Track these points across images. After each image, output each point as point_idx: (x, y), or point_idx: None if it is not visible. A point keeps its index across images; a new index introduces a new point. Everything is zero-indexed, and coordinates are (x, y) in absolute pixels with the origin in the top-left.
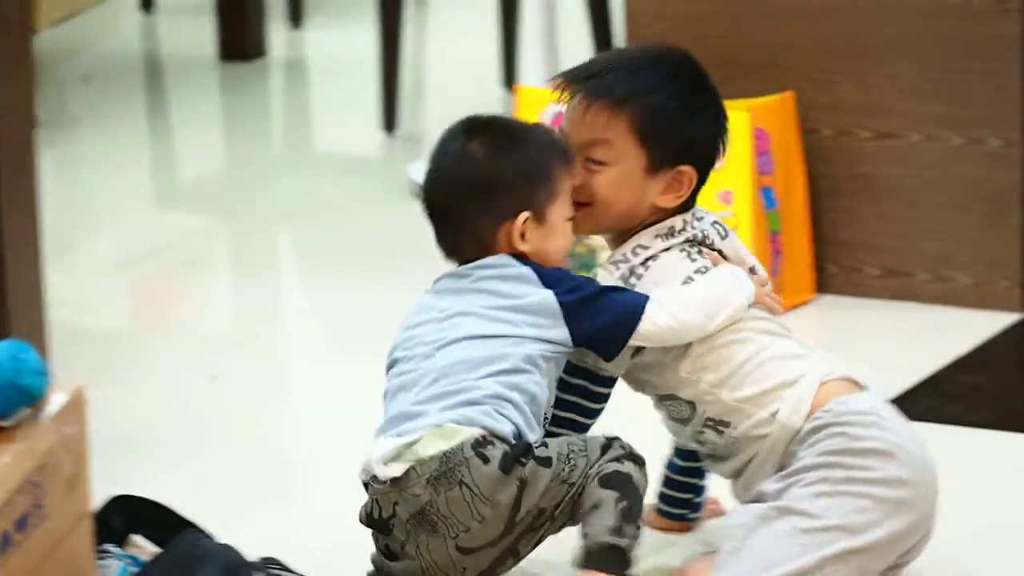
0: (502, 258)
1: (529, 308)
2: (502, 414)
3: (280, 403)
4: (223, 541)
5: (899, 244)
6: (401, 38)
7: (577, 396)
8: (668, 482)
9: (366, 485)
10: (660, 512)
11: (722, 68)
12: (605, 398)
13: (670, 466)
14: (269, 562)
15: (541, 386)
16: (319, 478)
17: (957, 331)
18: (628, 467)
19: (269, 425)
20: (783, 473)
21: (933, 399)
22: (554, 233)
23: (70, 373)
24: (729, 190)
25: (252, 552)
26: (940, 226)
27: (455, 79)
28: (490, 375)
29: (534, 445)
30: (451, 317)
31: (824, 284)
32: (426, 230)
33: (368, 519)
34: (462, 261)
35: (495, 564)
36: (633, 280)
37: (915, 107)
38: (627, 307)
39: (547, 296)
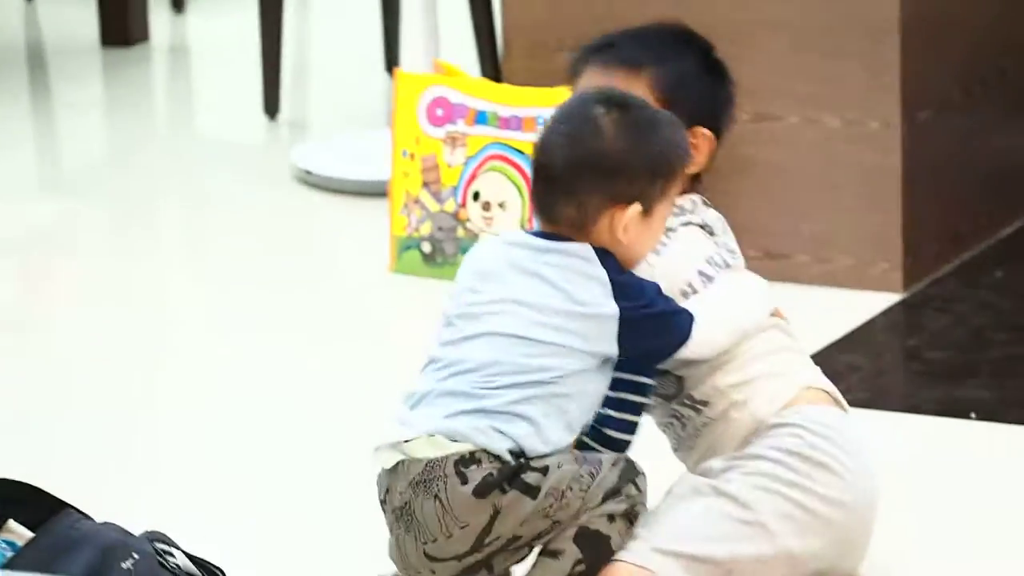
0: (585, 249)
1: (590, 317)
2: (501, 432)
3: (161, 385)
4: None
5: (779, 226)
6: (282, 23)
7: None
8: None
9: None
10: None
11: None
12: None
13: None
14: (154, 537)
15: (577, 405)
16: (195, 457)
17: (837, 312)
18: (616, 527)
19: (145, 409)
20: (733, 455)
21: None
22: (651, 231)
23: None
24: None
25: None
26: (820, 208)
27: (337, 63)
28: (516, 385)
29: (532, 465)
30: (507, 302)
31: None
32: (310, 216)
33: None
34: (549, 225)
35: (464, 574)
36: (652, 256)
37: (793, 89)
38: (677, 330)
39: (613, 312)
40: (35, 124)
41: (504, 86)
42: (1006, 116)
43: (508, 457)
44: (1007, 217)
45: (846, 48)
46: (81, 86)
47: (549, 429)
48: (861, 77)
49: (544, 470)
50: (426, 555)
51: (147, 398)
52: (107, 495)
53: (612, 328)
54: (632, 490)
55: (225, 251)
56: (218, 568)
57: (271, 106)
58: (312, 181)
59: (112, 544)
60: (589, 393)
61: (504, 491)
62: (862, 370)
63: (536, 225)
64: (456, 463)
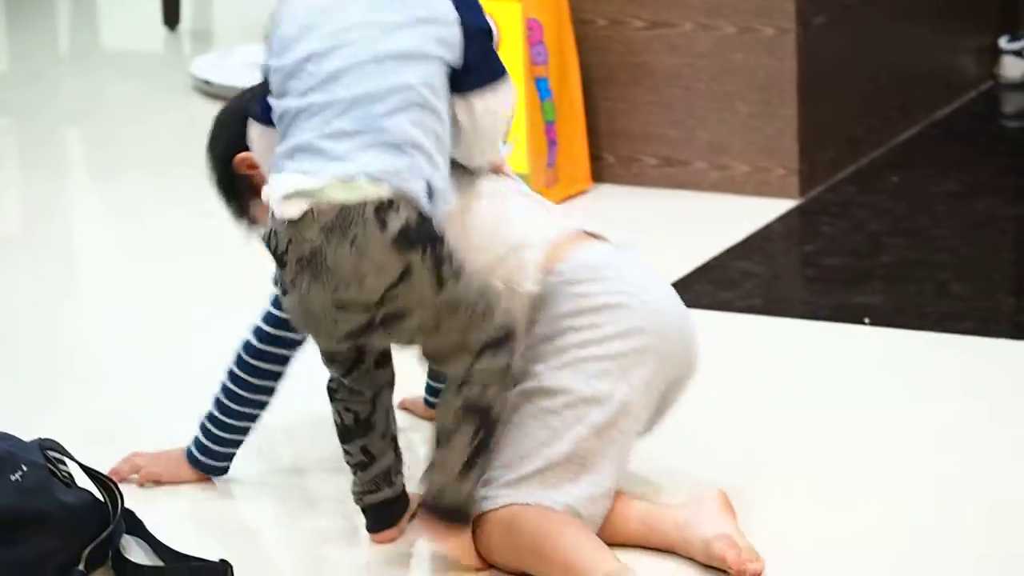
0: None
1: (432, 21)
2: (415, 171)
3: (67, 303)
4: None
5: (676, 133)
6: None
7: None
8: (434, 374)
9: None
10: (427, 403)
11: None
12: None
13: None
14: (46, 446)
15: (443, 123)
16: (115, 369)
17: (734, 219)
18: (493, 394)
19: (55, 324)
20: (526, 347)
21: (708, 286)
22: None
23: None
24: None
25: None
26: (716, 115)
27: None
28: (398, 110)
29: (450, 252)
30: (354, 28)
31: (601, 174)
32: (207, 126)
33: (267, 247)
34: None
35: (360, 333)
36: None
37: None
38: (500, 64)
39: (455, 18)
40: None
41: None
42: (901, 21)
43: (424, 201)
44: (903, 123)
45: None
46: None
47: (437, 161)
48: None
49: (459, 269)
50: (335, 302)
51: (55, 313)
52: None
53: (456, 33)
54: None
55: (128, 164)
56: (110, 479)
57: (171, 17)
58: (211, 91)
59: (4, 454)
60: (446, 120)
61: (422, 255)
62: (758, 276)
63: None
64: (376, 209)
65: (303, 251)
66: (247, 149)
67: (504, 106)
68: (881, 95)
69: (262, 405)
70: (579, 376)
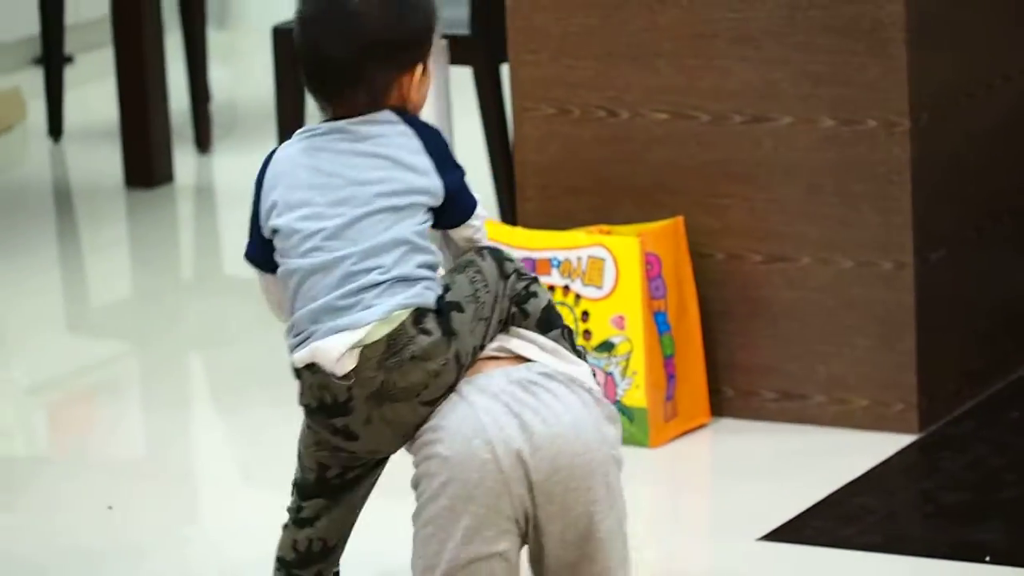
0: (388, 115)
1: (422, 174)
2: (428, 289)
3: (186, 532)
4: None
5: (794, 367)
6: None
7: None
8: None
9: (297, 372)
10: None
11: (612, 193)
12: None
13: None
14: None
15: (435, 254)
16: None
17: (853, 453)
18: (535, 287)
19: (173, 554)
20: None
21: (826, 522)
22: (428, 80)
23: None
24: (622, 315)
25: None
26: (834, 349)
27: None
28: (403, 259)
29: (443, 296)
30: (348, 186)
31: (720, 407)
32: None
33: (320, 406)
34: (345, 113)
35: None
36: None
37: (805, 230)
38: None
39: (433, 175)
40: (62, 264)
41: (517, 228)
42: (1019, 253)
43: (434, 303)
44: (1023, 357)
45: (859, 190)
46: (108, 227)
47: (434, 277)
48: (873, 218)
49: (448, 288)
50: (423, 404)
51: (173, 542)
52: None
53: (438, 186)
54: (514, 263)
55: (252, 392)
56: None
57: None
58: None
59: None
60: (437, 252)
61: (449, 320)
62: (876, 512)
63: (322, 116)
64: (413, 324)
65: (371, 388)
66: None
67: (478, 232)
68: (1000, 329)
69: None
70: (420, 550)
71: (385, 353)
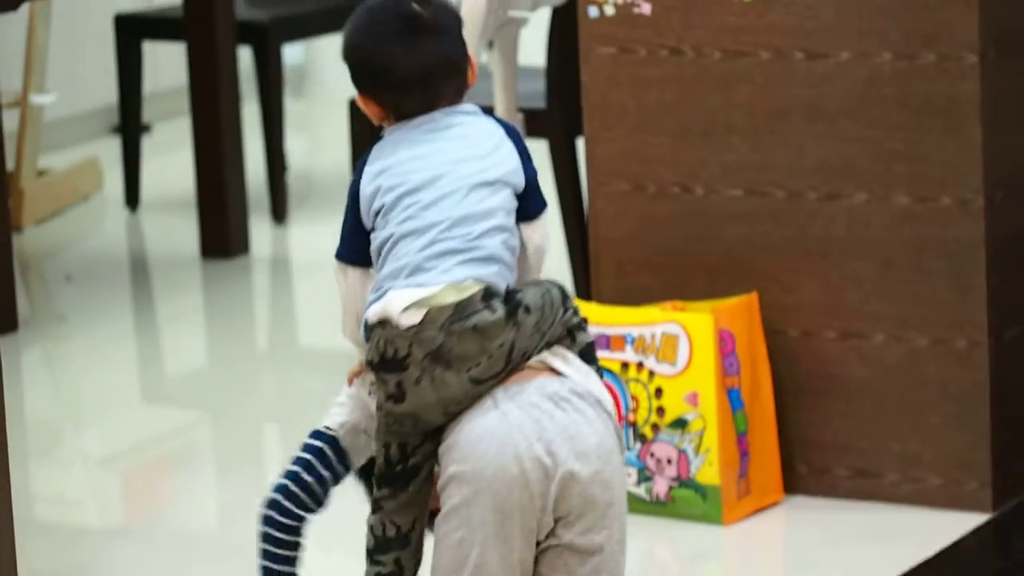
0: (471, 107)
1: (507, 159)
2: (501, 276)
3: None
4: None
5: (867, 444)
6: None
7: None
8: None
9: (369, 329)
10: None
11: (686, 270)
12: None
13: None
14: None
15: (516, 236)
16: None
17: (926, 532)
18: (585, 324)
19: None
20: None
21: None
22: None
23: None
24: (695, 391)
25: None
26: (908, 426)
27: None
28: (488, 232)
29: (515, 292)
30: (445, 164)
31: (793, 485)
32: None
33: (381, 360)
34: (429, 108)
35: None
36: None
37: (880, 307)
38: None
39: (518, 164)
40: (138, 335)
41: (592, 304)
42: None
43: (503, 290)
44: None
45: (933, 267)
46: (184, 297)
47: (514, 269)
48: (948, 296)
49: (523, 292)
50: (471, 380)
51: None
52: None
53: (520, 176)
54: (567, 296)
55: None
56: None
57: None
58: None
59: None
60: (517, 239)
61: (516, 313)
62: None
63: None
64: (481, 299)
65: (429, 348)
66: None
67: (546, 239)
68: None
69: None
70: (445, 559)
71: (451, 317)
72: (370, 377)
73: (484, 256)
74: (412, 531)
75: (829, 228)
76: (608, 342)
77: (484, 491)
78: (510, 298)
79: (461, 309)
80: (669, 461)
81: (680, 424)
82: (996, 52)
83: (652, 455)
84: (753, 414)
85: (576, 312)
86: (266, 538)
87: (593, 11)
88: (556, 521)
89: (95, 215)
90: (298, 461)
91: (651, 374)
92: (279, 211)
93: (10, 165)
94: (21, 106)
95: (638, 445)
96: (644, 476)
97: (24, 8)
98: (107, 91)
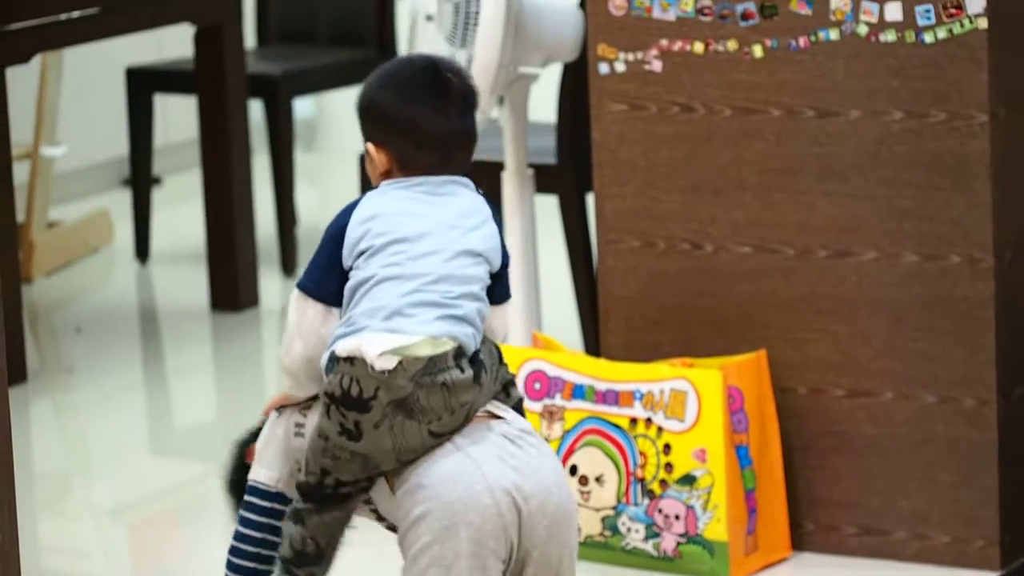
0: (466, 180)
1: (491, 237)
2: (469, 335)
3: None
4: None
5: (875, 502)
6: None
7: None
8: None
9: (334, 362)
10: None
11: (695, 326)
12: None
13: None
14: None
15: (486, 308)
16: None
17: None
18: (516, 380)
19: None
20: None
21: None
22: None
23: None
24: (703, 448)
25: None
26: (916, 484)
27: None
28: (466, 296)
29: (478, 353)
30: (435, 226)
31: (800, 542)
32: None
33: (343, 396)
34: (452, 172)
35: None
36: None
37: (889, 365)
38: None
39: (499, 245)
40: (147, 387)
41: (601, 360)
42: None
43: (471, 351)
44: None
45: (942, 326)
46: (192, 350)
47: (480, 333)
48: (957, 354)
49: (484, 359)
50: (430, 433)
51: None
52: None
53: (497, 258)
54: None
55: None
56: None
57: None
58: None
59: None
60: (486, 313)
61: (480, 376)
62: None
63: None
64: (453, 357)
65: (396, 396)
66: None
67: (503, 324)
68: None
69: None
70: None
71: (422, 370)
72: (295, 417)
73: (461, 316)
74: (328, 548)
75: (838, 286)
76: (617, 398)
77: (459, 524)
78: (475, 360)
79: (433, 364)
80: (677, 517)
81: (688, 480)
82: (1006, 111)
83: (660, 511)
84: (761, 471)
85: (508, 368)
86: None
87: (604, 67)
88: (523, 548)
89: (105, 267)
90: (261, 526)
91: (660, 430)
92: (288, 263)
93: (20, 217)
94: (32, 158)
95: (646, 501)
96: (652, 532)
97: (36, 60)
98: (118, 143)
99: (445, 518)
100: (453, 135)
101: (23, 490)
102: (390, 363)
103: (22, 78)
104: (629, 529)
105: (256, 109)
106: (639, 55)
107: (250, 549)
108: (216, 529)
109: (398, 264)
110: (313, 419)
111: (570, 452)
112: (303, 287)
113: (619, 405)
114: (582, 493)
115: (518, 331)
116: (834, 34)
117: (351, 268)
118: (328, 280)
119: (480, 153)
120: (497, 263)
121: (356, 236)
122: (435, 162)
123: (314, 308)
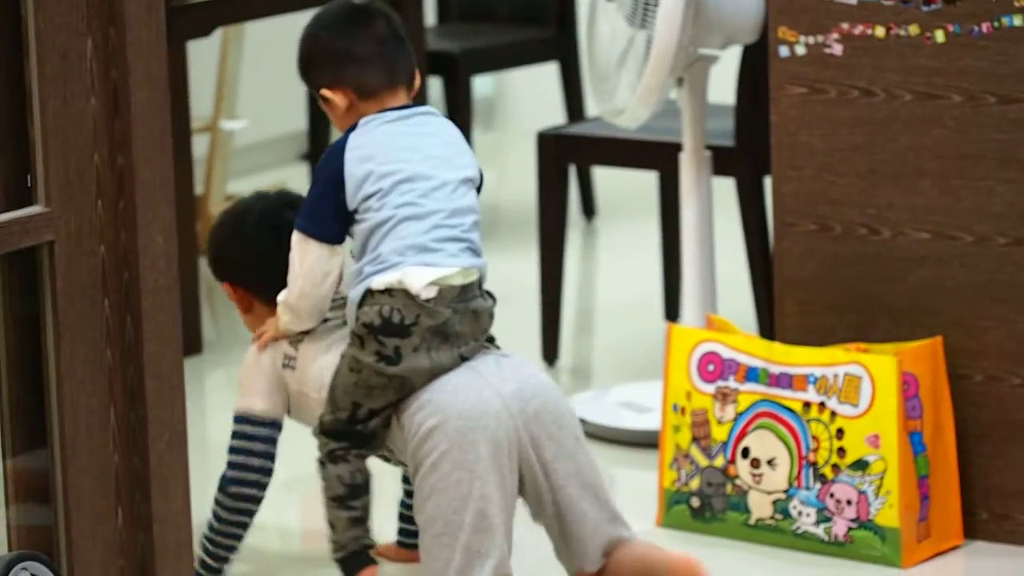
0: (432, 108)
1: (473, 158)
2: (484, 268)
3: None
4: None
5: None
6: (563, 268)
7: None
8: (404, 517)
9: (368, 295)
10: (401, 544)
11: (871, 312)
12: None
13: (404, 504)
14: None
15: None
16: None
17: None
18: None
19: None
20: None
21: None
22: None
23: None
24: (877, 434)
25: None
26: None
27: (619, 310)
28: (475, 226)
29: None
30: (433, 158)
31: (973, 530)
32: None
33: (383, 324)
34: (403, 91)
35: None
36: None
37: None
38: None
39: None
40: None
41: (775, 343)
42: None
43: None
44: None
45: None
46: None
47: None
48: None
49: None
50: (460, 356)
51: None
52: None
53: (479, 173)
54: None
55: None
56: None
57: (550, 352)
58: (586, 430)
59: None
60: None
61: (494, 306)
62: None
63: (379, 91)
64: (477, 286)
65: (436, 320)
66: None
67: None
68: None
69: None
70: (440, 502)
71: (457, 297)
72: (284, 348)
73: (476, 248)
74: (371, 478)
75: (1016, 274)
76: (790, 381)
77: (475, 427)
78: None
79: (464, 292)
80: (849, 502)
81: (861, 465)
82: None
83: (832, 496)
84: (935, 458)
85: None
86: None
87: (784, 50)
88: (538, 445)
89: None
90: (261, 454)
91: (833, 414)
92: None
93: (199, 189)
94: (212, 131)
95: (818, 485)
96: (823, 516)
97: (217, 34)
98: (297, 118)
99: (460, 424)
100: (385, 41)
101: (197, 461)
102: (432, 292)
103: (203, 51)
104: (800, 513)
105: (435, 87)
106: (819, 38)
107: (252, 477)
108: (389, 499)
109: (412, 203)
110: (308, 351)
111: (742, 435)
112: (304, 229)
113: (792, 389)
114: (754, 476)
115: (692, 312)
116: (1017, 20)
117: (356, 210)
118: (330, 221)
119: (658, 134)
120: (479, 184)
121: (360, 177)
122: (386, 76)
123: (318, 248)
